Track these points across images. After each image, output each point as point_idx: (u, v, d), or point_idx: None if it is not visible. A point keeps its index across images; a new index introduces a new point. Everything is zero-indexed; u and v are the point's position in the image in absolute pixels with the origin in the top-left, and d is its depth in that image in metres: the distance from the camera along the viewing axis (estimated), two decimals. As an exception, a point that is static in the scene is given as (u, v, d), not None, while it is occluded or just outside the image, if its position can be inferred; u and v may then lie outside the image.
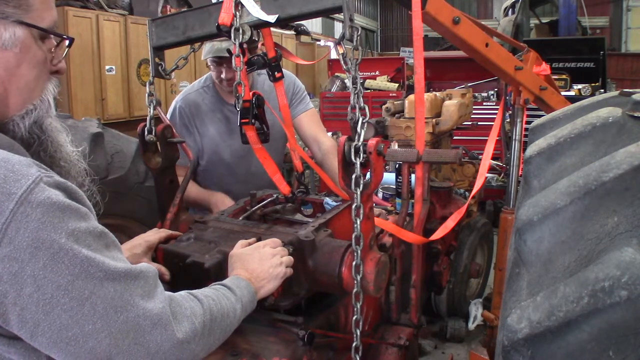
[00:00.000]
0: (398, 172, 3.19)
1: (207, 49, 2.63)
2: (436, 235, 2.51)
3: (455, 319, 3.81)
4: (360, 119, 1.50)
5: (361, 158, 1.50)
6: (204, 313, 1.19)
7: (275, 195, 2.25)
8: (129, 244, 1.74)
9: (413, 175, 2.72)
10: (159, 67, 2.02)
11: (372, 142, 1.50)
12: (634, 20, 19.52)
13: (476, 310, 3.68)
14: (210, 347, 1.21)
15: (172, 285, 1.76)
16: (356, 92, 1.50)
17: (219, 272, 1.64)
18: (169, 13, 8.19)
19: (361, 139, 1.50)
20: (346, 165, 1.54)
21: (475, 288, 4.18)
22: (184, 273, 1.69)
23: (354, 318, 1.55)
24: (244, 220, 2.04)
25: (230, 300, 1.33)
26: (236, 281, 1.44)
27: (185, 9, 2.03)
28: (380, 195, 3.68)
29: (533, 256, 1.14)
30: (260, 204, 2.22)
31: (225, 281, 1.43)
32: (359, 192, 1.51)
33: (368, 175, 1.56)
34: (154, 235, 1.80)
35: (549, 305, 0.99)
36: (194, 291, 1.26)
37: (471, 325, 3.71)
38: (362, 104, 1.50)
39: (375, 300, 2.35)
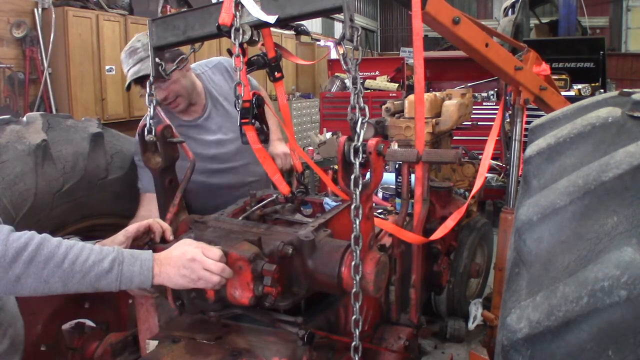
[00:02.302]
0: (398, 172, 3.19)
1: (129, 76, 2.52)
2: (436, 235, 2.51)
3: (455, 319, 3.81)
4: (360, 119, 1.50)
5: (361, 158, 1.50)
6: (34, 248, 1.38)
7: (275, 196, 2.25)
8: (111, 237, 1.76)
9: (413, 175, 2.72)
10: (159, 67, 2.02)
11: (372, 142, 1.50)
12: (634, 20, 19.50)
13: (476, 310, 3.68)
14: (38, 276, 1.39)
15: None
16: (356, 92, 1.50)
17: None
18: (169, 13, 8.19)
19: (361, 139, 1.50)
20: (346, 165, 1.54)
21: (475, 288, 4.18)
22: None
23: (353, 318, 1.55)
24: (243, 220, 2.04)
25: (97, 253, 1.47)
26: (139, 252, 1.57)
27: (186, 9, 2.02)
28: (380, 195, 3.68)
29: (533, 256, 1.14)
30: (260, 204, 2.22)
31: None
32: (358, 192, 1.51)
33: (368, 175, 1.56)
34: (133, 226, 1.81)
35: (548, 305, 0.99)
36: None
37: (471, 325, 3.72)
38: (362, 104, 1.50)
39: (375, 300, 2.35)
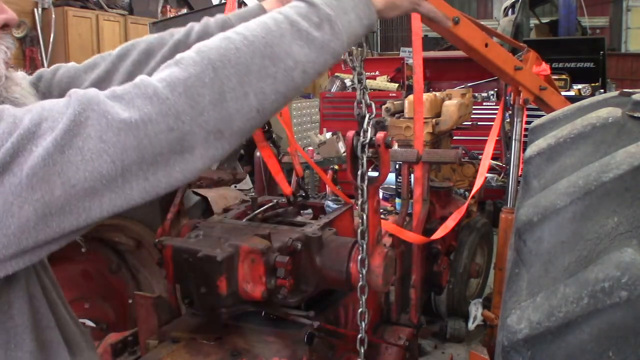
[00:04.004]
0: (398, 172, 3.19)
1: None
2: (436, 235, 2.51)
3: (455, 319, 3.81)
4: (367, 116, 1.50)
5: (367, 153, 1.50)
6: (187, 77, 0.81)
7: (275, 200, 2.26)
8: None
9: (413, 175, 2.72)
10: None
11: (380, 135, 1.51)
12: (634, 20, 19.46)
13: (476, 310, 3.68)
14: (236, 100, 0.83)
15: (182, 282, 1.75)
16: (362, 87, 1.51)
17: (231, 265, 1.63)
18: (168, 13, 8.20)
19: (368, 136, 1.50)
20: (354, 159, 1.54)
21: (475, 288, 4.18)
22: (195, 268, 1.67)
23: (360, 311, 1.54)
24: (247, 222, 2.04)
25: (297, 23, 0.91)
26: None
27: (186, 11, 2.03)
28: (380, 195, 3.69)
29: (533, 256, 1.14)
30: (261, 209, 2.22)
31: None
32: (365, 187, 1.51)
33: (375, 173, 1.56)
34: None
35: (548, 306, 0.99)
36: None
37: (471, 325, 3.72)
38: (368, 101, 1.50)
39: (375, 300, 2.35)
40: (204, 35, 1.24)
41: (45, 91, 1.15)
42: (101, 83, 1.19)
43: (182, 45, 1.22)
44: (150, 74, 1.11)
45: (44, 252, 0.78)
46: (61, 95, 1.11)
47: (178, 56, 0.85)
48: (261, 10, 1.30)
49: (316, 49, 0.92)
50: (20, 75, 0.99)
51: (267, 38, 0.87)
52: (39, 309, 0.89)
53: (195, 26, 1.27)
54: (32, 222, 0.73)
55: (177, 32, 1.26)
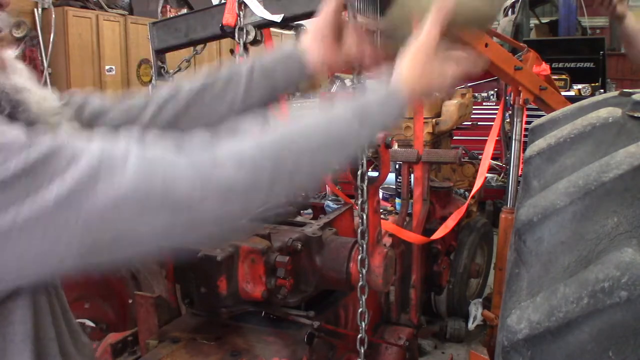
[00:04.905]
0: (398, 172, 3.20)
1: None
2: (436, 235, 2.52)
3: (455, 319, 3.81)
4: None
5: (367, 153, 1.51)
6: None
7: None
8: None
9: (413, 175, 2.72)
10: (162, 70, 2.02)
11: (380, 135, 1.52)
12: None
13: (476, 310, 3.68)
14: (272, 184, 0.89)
15: (182, 282, 1.76)
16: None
17: (231, 265, 1.63)
18: (168, 13, 8.20)
19: None
20: (354, 159, 1.55)
21: (475, 288, 4.18)
22: (195, 268, 1.67)
23: (360, 311, 1.55)
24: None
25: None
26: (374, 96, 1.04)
27: (186, 11, 2.03)
28: (380, 195, 3.69)
29: (533, 256, 1.14)
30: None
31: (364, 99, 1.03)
32: (365, 187, 1.51)
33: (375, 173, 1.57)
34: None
35: (548, 306, 0.99)
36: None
37: (471, 325, 3.72)
38: None
39: (375, 300, 2.35)
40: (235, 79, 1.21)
41: (77, 107, 1.15)
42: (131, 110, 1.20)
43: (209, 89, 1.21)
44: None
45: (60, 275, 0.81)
46: (90, 120, 1.13)
47: (244, 155, 0.87)
48: (295, 51, 1.25)
49: (353, 148, 1.04)
50: (20, 65, 0.98)
51: (321, 145, 0.95)
52: (42, 319, 0.88)
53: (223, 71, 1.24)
54: (71, 261, 0.73)
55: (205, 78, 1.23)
